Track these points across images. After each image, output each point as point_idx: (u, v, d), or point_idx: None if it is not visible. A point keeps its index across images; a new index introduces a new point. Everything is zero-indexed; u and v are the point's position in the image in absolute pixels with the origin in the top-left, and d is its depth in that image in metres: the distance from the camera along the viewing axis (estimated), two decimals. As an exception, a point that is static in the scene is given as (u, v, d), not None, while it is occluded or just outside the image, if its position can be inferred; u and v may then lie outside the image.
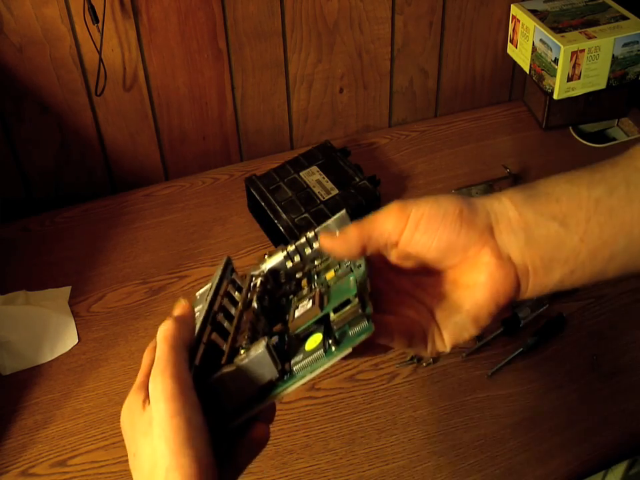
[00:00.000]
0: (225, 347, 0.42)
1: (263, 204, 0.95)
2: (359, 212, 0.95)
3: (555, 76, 1.07)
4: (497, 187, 1.03)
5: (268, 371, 0.39)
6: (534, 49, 1.11)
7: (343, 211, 0.47)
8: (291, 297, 0.46)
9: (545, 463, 0.72)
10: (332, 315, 0.41)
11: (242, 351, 0.40)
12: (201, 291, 0.45)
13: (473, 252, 0.44)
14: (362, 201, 0.95)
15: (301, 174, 1.00)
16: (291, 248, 0.47)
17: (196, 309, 0.44)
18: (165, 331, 0.41)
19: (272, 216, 0.93)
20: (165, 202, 1.06)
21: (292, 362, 0.41)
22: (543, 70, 1.10)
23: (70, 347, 0.85)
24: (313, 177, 0.99)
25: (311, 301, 0.43)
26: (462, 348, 0.82)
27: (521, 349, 0.80)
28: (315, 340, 0.41)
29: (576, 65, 1.06)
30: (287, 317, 0.44)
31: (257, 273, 0.48)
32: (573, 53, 1.04)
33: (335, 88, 1.14)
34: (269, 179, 0.99)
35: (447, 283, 0.46)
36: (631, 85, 1.13)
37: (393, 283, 0.48)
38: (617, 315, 0.85)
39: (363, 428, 0.75)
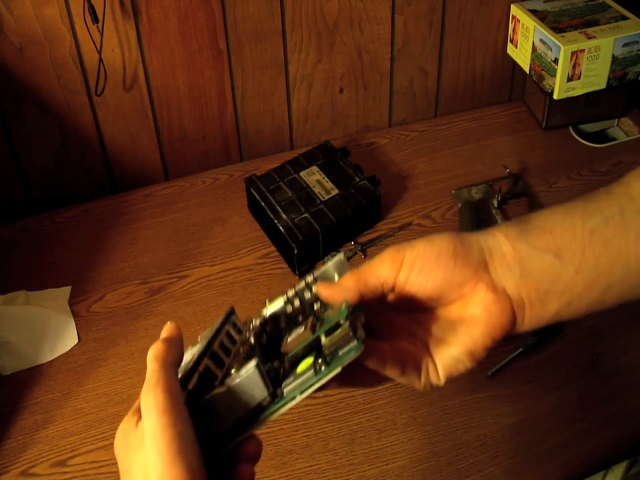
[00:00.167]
0: (219, 374, 0.42)
1: (262, 204, 0.95)
2: (359, 212, 0.96)
3: (555, 76, 1.07)
4: (497, 186, 1.03)
5: (258, 391, 0.40)
6: (534, 49, 1.11)
7: (341, 254, 0.48)
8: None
9: (545, 462, 0.72)
10: (323, 339, 0.42)
11: (233, 371, 0.41)
12: (204, 333, 0.46)
13: (468, 288, 0.45)
14: (362, 201, 0.95)
15: (300, 174, 1.00)
16: (290, 293, 0.47)
17: (195, 348, 0.44)
18: (154, 351, 0.42)
19: (272, 216, 0.93)
20: (165, 202, 1.06)
21: (282, 385, 0.41)
22: (543, 70, 1.10)
23: (70, 347, 0.85)
24: (313, 177, 0.99)
25: (303, 326, 0.45)
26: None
27: (521, 349, 0.80)
28: (305, 363, 0.41)
29: (576, 65, 1.06)
30: (281, 346, 0.45)
31: (257, 317, 0.48)
32: (573, 53, 1.04)
33: (335, 88, 1.14)
34: (269, 178, 0.99)
35: (443, 318, 0.47)
36: (631, 85, 1.13)
37: (389, 321, 0.48)
38: (616, 315, 0.85)
39: (363, 428, 0.75)
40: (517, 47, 1.16)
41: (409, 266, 0.45)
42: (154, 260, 0.96)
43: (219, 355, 0.43)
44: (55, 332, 0.85)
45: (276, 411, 0.41)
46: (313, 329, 0.44)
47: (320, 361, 0.40)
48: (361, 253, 0.95)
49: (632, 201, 0.46)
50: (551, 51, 1.06)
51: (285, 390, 0.41)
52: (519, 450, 0.73)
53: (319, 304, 0.47)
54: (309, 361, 0.41)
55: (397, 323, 0.48)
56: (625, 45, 1.06)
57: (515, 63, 1.20)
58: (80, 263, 0.96)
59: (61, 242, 0.99)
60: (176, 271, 0.94)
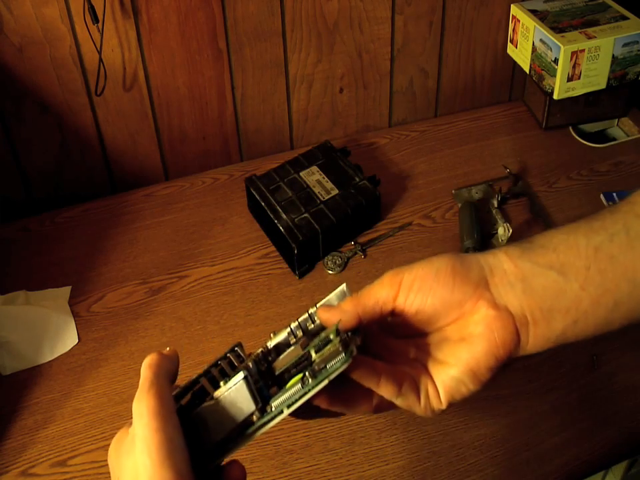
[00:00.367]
0: (212, 391, 0.42)
1: (263, 204, 0.95)
2: (359, 212, 0.96)
3: (555, 76, 1.07)
4: (497, 186, 1.03)
5: (246, 405, 0.40)
6: (534, 49, 1.11)
7: (344, 285, 0.48)
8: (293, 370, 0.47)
9: (545, 462, 0.72)
10: (314, 355, 0.42)
11: (221, 383, 0.41)
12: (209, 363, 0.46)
13: (468, 306, 0.44)
14: (362, 201, 0.95)
15: (300, 174, 1.00)
16: (294, 324, 0.47)
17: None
18: (149, 360, 0.42)
19: (272, 216, 0.93)
20: (165, 202, 1.06)
21: (271, 400, 0.41)
22: (543, 70, 1.10)
23: (70, 347, 0.85)
24: (313, 177, 0.99)
25: (294, 345, 0.45)
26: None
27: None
28: (295, 379, 0.41)
29: (576, 65, 1.06)
30: (275, 367, 0.45)
31: (261, 348, 0.48)
32: (573, 53, 1.04)
33: (335, 88, 1.14)
34: (269, 179, 0.99)
35: (444, 340, 0.46)
36: (631, 85, 1.13)
37: (389, 347, 0.47)
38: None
39: (363, 428, 0.75)
40: (517, 47, 1.16)
41: (407, 286, 0.44)
42: (154, 260, 0.96)
43: (215, 377, 0.43)
44: (55, 332, 0.85)
45: (263, 425, 0.41)
46: (304, 347, 0.44)
47: (307, 374, 0.40)
48: (360, 253, 0.95)
49: (638, 218, 0.45)
50: (551, 51, 1.06)
51: (273, 404, 0.41)
52: (519, 450, 0.73)
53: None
54: (298, 377, 0.41)
55: (397, 349, 0.47)
56: (625, 44, 1.06)
57: (515, 63, 1.20)
58: (80, 263, 0.96)
59: (61, 242, 0.99)
60: (176, 271, 0.94)
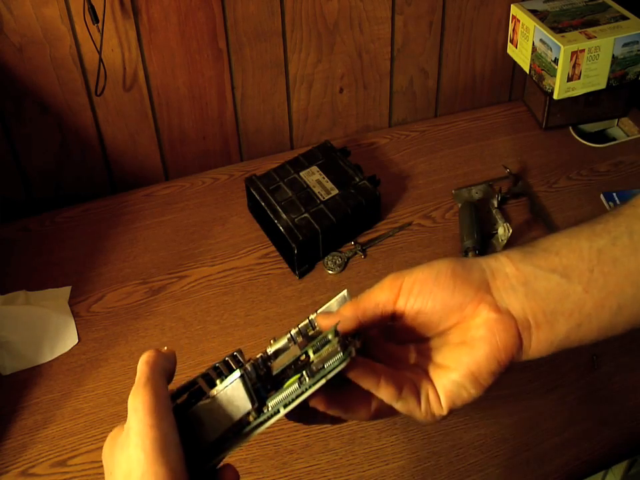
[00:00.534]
0: (208, 391, 0.42)
1: (263, 204, 0.95)
2: (359, 212, 0.96)
3: (555, 76, 1.07)
4: (497, 186, 1.03)
5: (243, 403, 0.40)
6: (534, 49, 1.11)
7: (345, 291, 0.48)
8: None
9: (545, 462, 0.72)
10: (312, 356, 0.41)
11: (218, 381, 0.41)
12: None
13: (470, 309, 0.43)
14: (362, 201, 0.95)
15: (300, 174, 1.00)
16: (294, 330, 0.47)
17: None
18: (145, 356, 0.42)
19: (272, 216, 0.93)
20: (165, 202, 1.06)
21: (268, 400, 0.41)
22: (543, 70, 1.10)
23: (70, 347, 0.85)
24: (313, 177, 0.99)
25: (293, 346, 0.45)
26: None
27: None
28: (293, 380, 0.41)
29: (576, 65, 1.06)
30: (273, 368, 0.45)
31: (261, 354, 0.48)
32: (573, 53, 1.04)
33: (335, 88, 1.14)
34: (269, 179, 0.99)
35: (446, 344, 0.45)
36: (631, 85, 1.13)
37: (390, 353, 0.47)
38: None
39: (363, 428, 0.75)
40: (516, 47, 1.16)
41: (407, 290, 0.44)
42: (154, 260, 0.96)
43: (212, 377, 0.43)
44: (55, 332, 0.85)
45: (260, 425, 0.40)
46: (303, 348, 0.43)
47: (305, 373, 0.40)
48: (360, 253, 0.95)
49: None
50: (551, 50, 1.06)
51: (270, 404, 0.41)
52: (519, 450, 0.73)
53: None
54: (296, 377, 0.41)
55: (398, 354, 0.47)
56: (625, 44, 1.06)
57: (515, 63, 1.20)
58: (80, 263, 0.96)
59: (61, 242, 0.99)
60: (176, 271, 0.94)
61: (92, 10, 0.92)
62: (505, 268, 0.44)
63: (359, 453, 0.73)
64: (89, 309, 0.90)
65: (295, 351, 0.44)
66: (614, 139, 1.18)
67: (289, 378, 0.42)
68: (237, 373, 0.40)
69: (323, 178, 0.99)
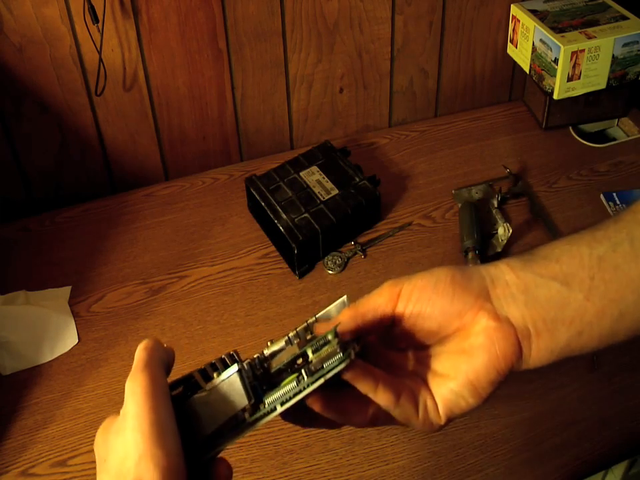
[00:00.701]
0: (204, 385, 0.42)
1: (263, 204, 0.95)
2: (359, 212, 0.96)
3: (555, 76, 1.07)
4: (497, 186, 1.03)
5: (239, 398, 0.40)
6: (534, 49, 1.11)
7: (344, 297, 0.47)
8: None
9: (545, 462, 0.72)
10: (311, 355, 0.41)
11: (214, 374, 0.41)
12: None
13: (469, 317, 0.43)
14: (362, 201, 0.95)
15: (300, 174, 1.00)
16: (291, 333, 0.47)
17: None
18: (144, 343, 0.42)
19: (272, 216, 0.93)
20: (165, 202, 1.06)
21: (265, 397, 0.41)
22: (543, 70, 1.10)
23: (70, 347, 0.85)
24: (313, 177, 0.99)
25: (291, 345, 0.44)
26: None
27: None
28: (291, 378, 0.41)
29: (576, 65, 1.06)
30: (271, 366, 0.44)
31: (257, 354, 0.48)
32: (573, 53, 1.04)
33: (335, 88, 1.14)
34: (269, 179, 0.99)
35: (444, 352, 0.45)
36: (631, 85, 1.13)
37: (388, 361, 0.47)
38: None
39: (363, 428, 0.75)
40: (516, 47, 1.16)
41: (406, 296, 0.44)
42: (154, 260, 0.96)
43: (208, 373, 0.43)
44: (55, 332, 0.85)
45: (257, 421, 0.40)
46: (300, 346, 0.43)
47: (303, 372, 0.40)
48: (360, 253, 0.95)
49: None
50: (551, 51, 1.06)
51: (267, 401, 0.40)
52: (519, 450, 0.73)
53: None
54: (294, 376, 0.41)
55: (396, 362, 0.46)
56: (625, 45, 1.06)
57: (515, 63, 1.20)
58: (80, 263, 0.96)
59: (61, 242, 0.99)
60: (176, 271, 0.94)
61: (92, 10, 0.92)
62: (505, 276, 0.44)
63: (359, 453, 0.73)
64: (89, 309, 0.90)
65: (293, 350, 0.44)
66: (614, 139, 1.18)
67: (286, 377, 0.42)
68: (235, 367, 0.39)
69: (323, 178, 0.99)
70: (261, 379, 0.44)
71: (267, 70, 1.08)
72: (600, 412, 0.76)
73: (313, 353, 0.41)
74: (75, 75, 0.98)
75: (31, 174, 1.05)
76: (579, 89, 1.09)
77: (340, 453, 0.73)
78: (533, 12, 1.12)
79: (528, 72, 1.15)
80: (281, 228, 0.92)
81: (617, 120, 1.20)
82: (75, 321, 0.88)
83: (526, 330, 0.43)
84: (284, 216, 0.93)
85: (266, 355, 0.46)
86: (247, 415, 0.40)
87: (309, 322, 0.47)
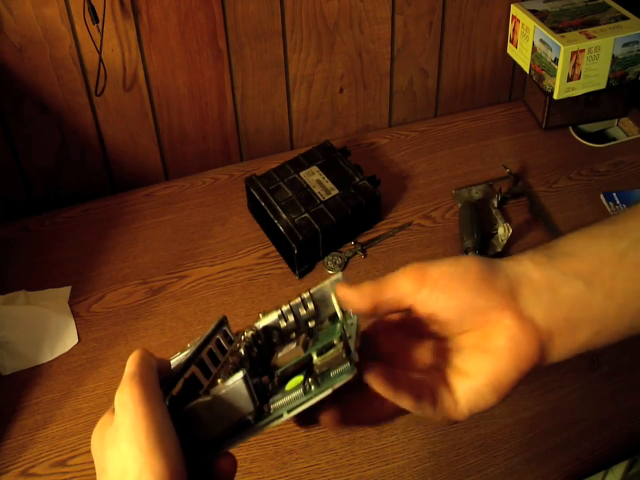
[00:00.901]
0: (205, 383, 0.41)
1: (263, 204, 0.95)
2: (359, 212, 0.96)
3: (555, 76, 1.07)
4: (497, 186, 1.03)
5: (244, 404, 0.39)
6: (534, 49, 1.11)
7: (339, 274, 0.46)
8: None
9: (545, 462, 0.72)
10: (315, 358, 0.41)
11: (219, 381, 0.40)
12: (193, 341, 0.45)
13: (493, 315, 0.42)
14: (362, 201, 0.95)
15: (300, 174, 1.00)
16: (285, 307, 0.46)
17: (183, 354, 0.44)
18: (133, 355, 0.42)
19: (272, 216, 0.93)
20: (165, 202, 1.06)
21: (270, 401, 0.40)
22: (542, 70, 1.10)
23: (70, 347, 0.85)
24: (313, 177, 0.99)
25: (295, 343, 0.43)
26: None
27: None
28: (295, 381, 0.40)
29: (576, 65, 1.06)
30: (272, 360, 0.44)
31: (249, 329, 0.47)
32: (573, 53, 1.04)
33: (335, 88, 1.14)
34: (269, 179, 0.99)
35: (464, 347, 0.44)
36: (631, 85, 1.13)
37: (405, 348, 0.46)
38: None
39: (363, 428, 0.75)
40: (516, 47, 1.16)
41: (432, 282, 0.42)
42: (154, 260, 0.96)
43: (207, 364, 0.42)
44: (55, 332, 0.85)
45: (262, 427, 0.40)
46: (305, 347, 0.43)
47: (310, 380, 0.39)
48: (360, 253, 0.95)
49: None
50: (551, 51, 1.06)
51: (273, 406, 0.40)
52: (519, 450, 0.73)
53: (314, 322, 0.46)
54: (298, 379, 0.40)
55: (413, 351, 0.45)
56: (625, 45, 1.06)
57: (515, 63, 1.20)
58: (80, 263, 0.96)
59: (61, 242, 0.99)
60: (176, 271, 0.94)
61: (92, 10, 0.92)
62: (530, 273, 0.43)
63: (359, 453, 0.73)
64: (89, 309, 0.90)
65: (297, 351, 0.43)
66: (614, 139, 1.18)
67: (290, 376, 0.41)
68: (240, 374, 0.39)
69: (323, 178, 0.99)
70: (256, 361, 0.43)
71: (267, 70, 1.08)
72: (600, 412, 0.76)
73: (318, 355, 0.40)
74: (75, 74, 0.98)
75: (31, 174, 1.05)
76: (579, 88, 1.09)
77: (340, 453, 0.73)
78: (533, 12, 1.12)
79: (528, 72, 1.15)
80: (280, 228, 0.92)
81: (616, 120, 1.20)
82: (75, 320, 0.88)
83: (549, 331, 0.42)
84: (284, 216, 0.93)
85: (258, 330, 0.46)
86: (252, 420, 0.40)
87: (303, 296, 0.47)
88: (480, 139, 1.16)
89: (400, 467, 0.72)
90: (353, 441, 0.74)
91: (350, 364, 0.39)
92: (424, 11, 1.11)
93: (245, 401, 0.39)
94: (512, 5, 1.15)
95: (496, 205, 1.00)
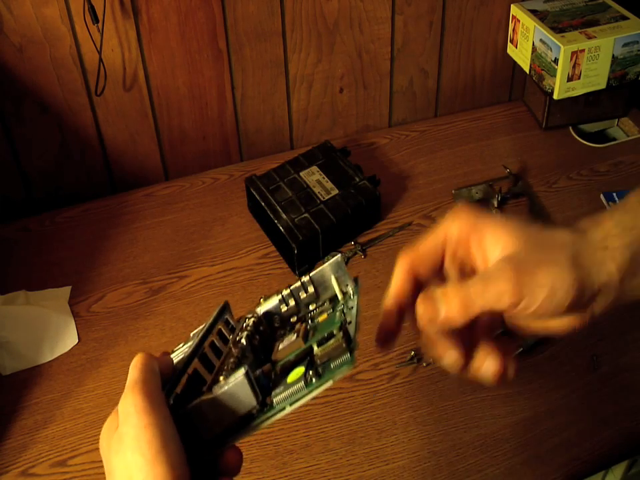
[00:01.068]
0: (208, 378, 0.42)
1: (263, 204, 0.95)
2: (359, 212, 0.96)
3: (555, 76, 1.07)
4: (497, 186, 1.03)
5: (247, 401, 0.39)
6: (534, 49, 1.11)
7: (339, 256, 0.47)
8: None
9: (545, 462, 0.72)
10: (315, 349, 0.41)
11: (221, 378, 0.40)
12: (195, 331, 0.45)
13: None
14: (362, 201, 0.95)
15: (300, 174, 1.00)
16: (285, 292, 0.47)
17: (186, 345, 0.44)
18: (135, 360, 0.41)
19: (272, 216, 0.93)
20: (165, 202, 1.06)
21: (272, 394, 0.40)
22: (542, 70, 1.10)
23: (70, 347, 0.85)
24: (313, 177, 0.99)
25: (295, 334, 0.44)
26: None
27: (521, 349, 0.80)
28: (297, 373, 0.41)
29: (576, 65, 1.06)
30: (272, 354, 0.44)
31: (251, 315, 0.48)
32: (573, 53, 1.04)
33: (335, 88, 1.14)
34: (269, 179, 0.99)
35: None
36: (631, 85, 1.13)
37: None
38: (616, 315, 0.85)
39: (363, 428, 0.75)
40: (516, 47, 1.16)
41: (493, 240, 0.41)
42: (154, 260, 0.96)
43: (209, 357, 0.43)
44: (55, 332, 0.85)
45: (265, 420, 0.40)
46: (305, 337, 0.43)
47: (311, 372, 0.40)
48: (360, 253, 0.95)
49: None
50: (551, 50, 1.06)
51: (275, 400, 0.40)
52: (518, 450, 0.73)
53: (314, 305, 0.47)
54: (300, 370, 0.41)
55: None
56: (625, 44, 1.06)
57: (515, 62, 1.20)
58: (80, 263, 0.96)
59: (61, 242, 0.99)
60: (176, 271, 0.94)
61: (92, 10, 0.92)
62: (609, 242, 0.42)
63: (359, 453, 0.73)
64: (89, 309, 0.90)
65: (298, 343, 0.43)
66: (614, 139, 1.18)
67: (291, 367, 0.41)
68: (242, 371, 0.39)
69: (323, 178, 0.99)
70: (258, 349, 0.43)
71: (266, 70, 1.08)
72: (600, 412, 0.76)
73: (318, 346, 0.41)
74: (75, 74, 0.98)
75: (31, 174, 1.05)
76: (579, 88, 1.09)
77: (340, 453, 0.73)
78: (533, 12, 1.12)
79: (528, 72, 1.15)
80: (280, 228, 0.92)
81: (616, 120, 1.20)
82: (75, 320, 0.88)
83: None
84: (284, 216, 0.93)
85: (259, 315, 0.46)
86: (255, 414, 0.40)
87: (303, 281, 0.47)
88: (480, 139, 1.16)
89: (400, 467, 0.72)
90: (353, 441, 0.74)
91: (350, 355, 0.39)
92: (424, 10, 1.11)
93: (247, 397, 0.39)
94: (512, 5, 1.15)
95: (496, 205, 1.00)
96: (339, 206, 0.94)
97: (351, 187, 0.97)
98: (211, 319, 0.45)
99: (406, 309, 0.44)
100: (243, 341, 0.43)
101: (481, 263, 0.42)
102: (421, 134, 1.18)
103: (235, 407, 0.40)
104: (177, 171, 1.12)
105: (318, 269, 0.47)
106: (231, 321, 0.46)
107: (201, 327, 0.45)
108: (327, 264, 0.47)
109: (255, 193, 0.97)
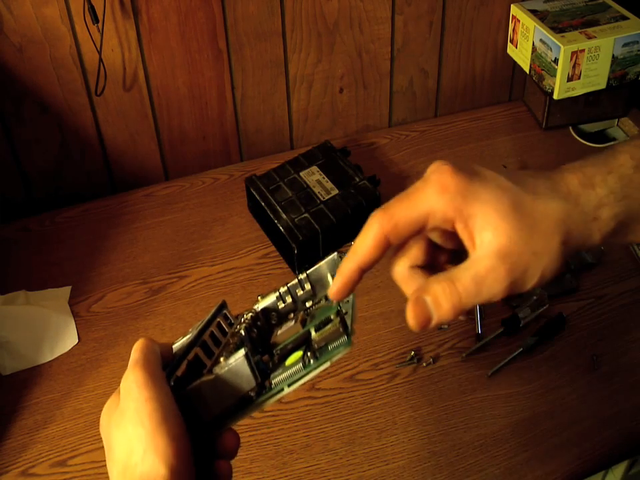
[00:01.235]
0: (208, 363, 0.42)
1: (263, 204, 0.95)
2: (359, 212, 0.96)
3: (555, 76, 1.07)
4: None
5: (246, 381, 0.40)
6: (534, 49, 1.11)
7: (335, 254, 0.47)
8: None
9: (545, 463, 0.72)
10: (313, 334, 0.42)
11: (221, 359, 0.41)
12: (195, 324, 0.46)
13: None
14: (362, 201, 0.95)
15: (300, 174, 1.00)
16: (282, 289, 0.48)
17: (185, 338, 0.45)
18: (137, 343, 0.42)
19: (272, 216, 0.93)
20: (165, 202, 1.06)
21: (271, 377, 0.41)
22: (542, 70, 1.10)
23: (70, 347, 0.85)
24: (313, 177, 0.99)
25: (293, 320, 0.45)
26: (461, 349, 0.82)
27: (521, 349, 0.80)
28: (295, 357, 0.41)
29: (576, 65, 1.06)
30: (271, 338, 0.45)
31: (249, 312, 0.48)
32: (573, 53, 1.04)
33: (334, 88, 1.14)
34: (269, 179, 0.99)
35: None
36: (631, 85, 1.13)
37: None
38: (616, 315, 0.85)
39: (363, 428, 0.75)
40: (516, 47, 1.16)
41: (480, 226, 0.39)
42: (154, 260, 0.96)
43: (209, 345, 0.43)
44: (55, 332, 0.85)
45: (264, 401, 0.41)
46: (303, 323, 0.44)
47: (309, 354, 0.41)
48: (360, 253, 0.95)
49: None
50: (551, 50, 1.06)
51: (274, 382, 0.41)
52: (518, 450, 0.73)
53: (311, 302, 0.47)
54: (298, 354, 0.41)
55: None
56: (625, 44, 1.06)
57: (515, 62, 1.20)
58: (80, 263, 0.96)
59: (61, 242, 0.99)
60: (176, 271, 0.94)
61: (92, 10, 0.92)
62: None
63: (359, 453, 0.73)
64: (89, 309, 0.90)
65: (296, 328, 0.44)
66: (614, 139, 1.18)
67: (289, 351, 0.42)
68: (242, 352, 0.40)
69: (323, 178, 0.99)
70: (257, 341, 0.44)
71: (266, 70, 1.08)
72: (600, 412, 0.76)
73: (316, 331, 0.41)
74: (75, 74, 0.98)
75: (31, 174, 1.05)
76: (578, 88, 1.09)
77: (340, 453, 0.73)
78: (533, 12, 1.12)
79: (528, 72, 1.15)
80: (280, 228, 0.92)
81: (616, 120, 1.20)
82: (75, 320, 0.88)
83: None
84: (284, 216, 0.93)
85: (257, 311, 0.47)
86: (254, 396, 0.41)
87: (300, 278, 0.48)
88: (480, 139, 1.16)
89: (400, 466, 0.72)
90: (353, 441, 0.74)
91: (347, 337, 0.40)
92: (424, 10, 1.11)
93: (247, 378, 0.40)
94: (512, 5, 1.15)
95: (496, 205, 1.00)
96: (339, 206, 0.94)
97: (351, 187, 0.97)
98: (210, 314, 0.46)
99: (368, 269, 0.42)
100: (242, 331, 0.43)
101: (467, 240, 0.40)
102: (421, 134, 1.18)
103: (235, 388, 0.40)
104: (177, 171, 1.12)
105: (315, 267, 0.48)
106: (230, 317, 0.47)
107: (200, 322, 0.46)
108: (323, 261, 0.47)
109: (254, 193, 0.97)
